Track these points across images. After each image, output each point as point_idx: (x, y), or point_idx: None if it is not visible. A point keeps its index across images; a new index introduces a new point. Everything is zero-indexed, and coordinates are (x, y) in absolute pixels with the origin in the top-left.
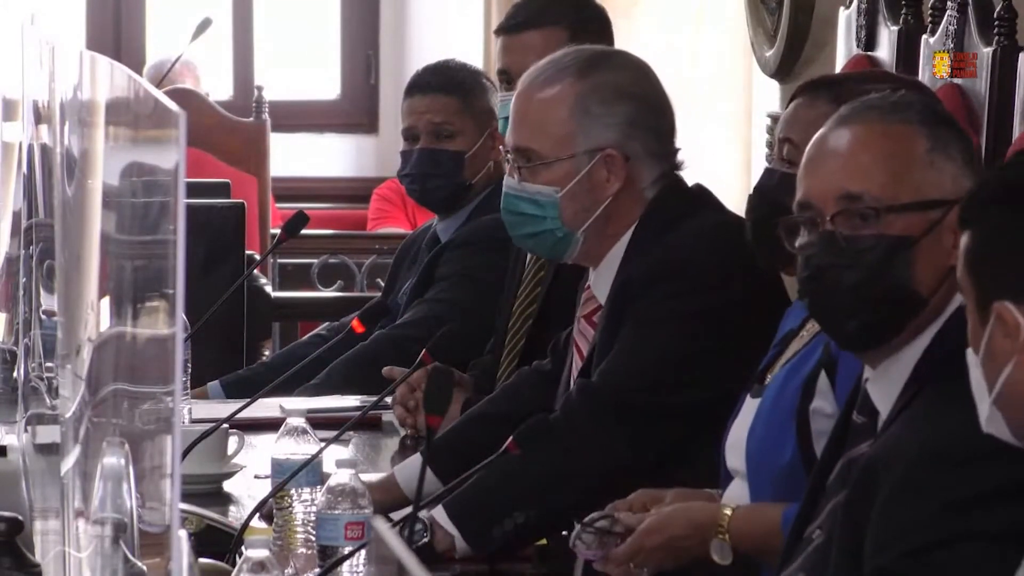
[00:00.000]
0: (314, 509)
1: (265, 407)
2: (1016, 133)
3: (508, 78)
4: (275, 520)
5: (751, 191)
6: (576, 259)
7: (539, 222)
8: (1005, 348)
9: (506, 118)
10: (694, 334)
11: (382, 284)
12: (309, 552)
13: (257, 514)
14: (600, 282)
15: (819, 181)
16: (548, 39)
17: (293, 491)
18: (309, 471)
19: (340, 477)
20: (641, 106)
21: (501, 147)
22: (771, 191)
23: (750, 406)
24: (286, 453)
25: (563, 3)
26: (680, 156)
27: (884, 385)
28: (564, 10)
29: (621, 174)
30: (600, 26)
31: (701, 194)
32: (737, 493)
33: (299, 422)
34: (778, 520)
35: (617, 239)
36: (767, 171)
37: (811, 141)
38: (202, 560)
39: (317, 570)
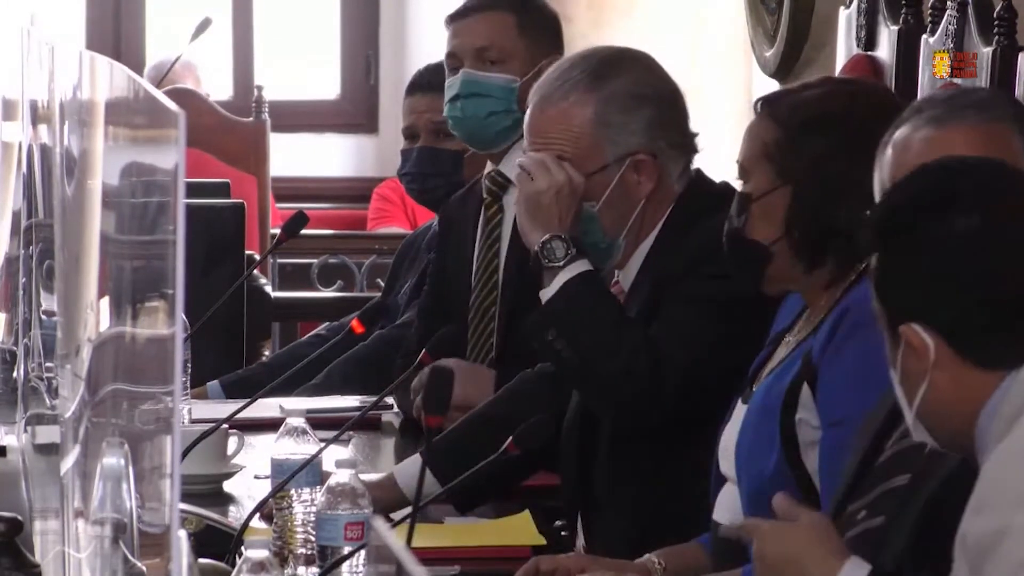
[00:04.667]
0: (314, 509)
1: (265, 407)
2: None
3: (456, 63)
4: (275, 520)
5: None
6: (616, 265)
7: (583, 239)
8: (916, 369)
9: (451, 100)
10: (730, 318)
11: (382, 284)
12: (309, 552)
13: (257, 514)
14: (624, 277)
15: None
16: (493, 22)
17: (293, 491)
18: (309, 471)
19: (340, 477)
20: (660, 105)
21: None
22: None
23: (740, 411)
24: (286, 453)
25: None
26: (698, 139)
27: None
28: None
29: (653, 174)
30: (547, 22)
31: (727, 191)
32: (729, 498)
33: (299, 422)
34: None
35: (646, 236)
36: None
37: (901, 141)
38: (202, 560)
39: (317, 570)
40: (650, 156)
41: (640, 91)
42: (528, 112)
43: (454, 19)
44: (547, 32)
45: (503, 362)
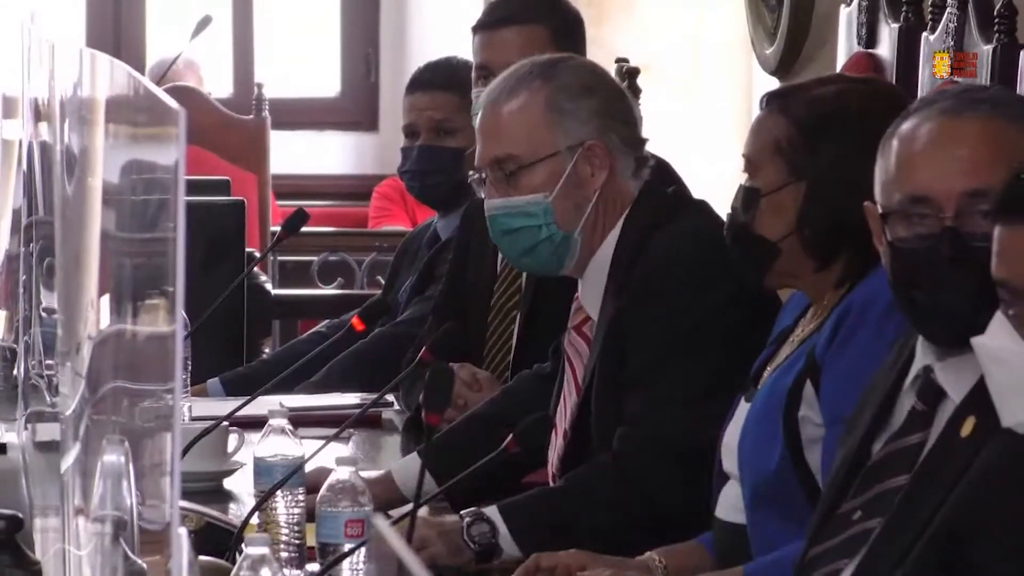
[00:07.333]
0: (297, 511)
1: (265, 405)
2: None
3: (487, 73)
4: (259, 520)
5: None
6: (576, 266)
7: (535, 232)
8: None
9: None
10: (702, 358)
11: (382, 282)
12: (291, 555)
13: (257, 512)
14: (588, 292)
15: (938, 175)
16: (530, 36)
17: (278, 493)
18: (290, 472)
19: (341, 474)
20: (607, 97)
21: (471, 171)
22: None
23: (743, 409)
24: (270, 452)
25: (542, 3)
26: (647, 146)
27: (956, 372)
28: (544, 9)
29: (605, 163)
30: (578, 30)
31: (679, 197)
32: (732, 496)
33: (282, 423)
34: None
35: (602, 241)
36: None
37: (908, 131)
38: (202, 558)
39: (316, 568)
40: (601, 145)
41: (588, 82)
42: (479, 117)
43: (485, 28)
44: (577, 39)
45: (520, 363)
